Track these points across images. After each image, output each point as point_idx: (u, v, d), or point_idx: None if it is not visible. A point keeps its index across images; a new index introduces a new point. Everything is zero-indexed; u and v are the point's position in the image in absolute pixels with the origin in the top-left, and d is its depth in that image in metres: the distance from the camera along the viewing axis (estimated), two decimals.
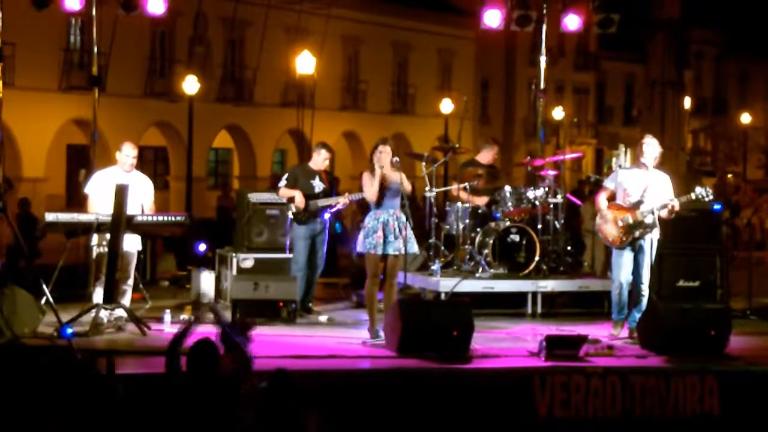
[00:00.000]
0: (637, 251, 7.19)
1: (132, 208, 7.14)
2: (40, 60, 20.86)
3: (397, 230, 6.95)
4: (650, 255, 7.21)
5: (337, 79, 27.74)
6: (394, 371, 6.11)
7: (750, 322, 8.27)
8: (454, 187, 9.21)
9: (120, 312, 7.17)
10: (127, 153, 7.44)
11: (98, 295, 7.23)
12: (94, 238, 7.25)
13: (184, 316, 7.78)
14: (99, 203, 7.31)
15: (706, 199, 7.10)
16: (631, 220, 7.12)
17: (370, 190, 6.94)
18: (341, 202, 8.30)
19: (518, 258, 8.79)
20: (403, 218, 6.99)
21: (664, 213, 7.12)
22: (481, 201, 9.05)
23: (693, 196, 7.11)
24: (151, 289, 9.43)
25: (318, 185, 8.37)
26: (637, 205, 7.13)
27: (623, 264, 7.20)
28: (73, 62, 22.13)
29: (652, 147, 7.17)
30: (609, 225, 7.18)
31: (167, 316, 7.38)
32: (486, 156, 9.28)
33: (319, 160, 8.45)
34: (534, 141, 16.48)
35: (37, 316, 6.82)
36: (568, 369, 5.99)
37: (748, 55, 39.97)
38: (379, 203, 6.96)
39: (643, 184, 7.17)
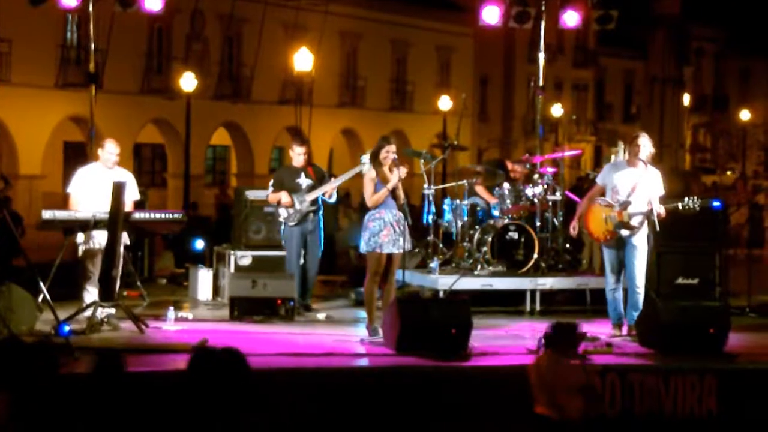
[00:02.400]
0: (629, 250, 7.17)
1: None
2: (36, 57, 20.82)
3: (399, 228, 6.94)
4: (643, 253, 7.19)
5: (335, 76, 27.72)
6: (392, 369, 6.09)
7: (749, 319, 8.26)
8: (462, 182, 9.31)
9: (110, 310, 7.12)
10: (110, 151, 7.42)
11: (89, 293, 7.20)
12: (80, 236, 7.23)
13: (182, 314, 7.77)
14: (81, 201, 7.28)
15: (695, 208, 7.05)
16: (617, 220, 7.10)
17: (373, 196, 6.89)
18: (328, 190, 8.19)
19: (517, 255, 8.77)
20: (402, 216, 6.97)
21: (652, 218, 7.08)
22: (495, 200, 9.06)
23: (680, 205, 7.07)
24: (149, 286, 9.41)
25: (305, 182, 8.24)
26: (624, 205, 7.10)
27: (615, 263, 7.18)
28: (70, 59, 22.09)
29: (646, 144, 7.15)
30: (595, 221, 7.17)
31: (171, 313, 7.35)
32: (511, 166, 9.45)
33: (295, 156, 8.37)
34: (533, 138, 16.44)
35: (35, 314, 6.80)
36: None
37: (749, 52, 39.99)
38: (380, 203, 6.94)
39: (632, 183, 7.13)
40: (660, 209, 7.02)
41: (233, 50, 26.03)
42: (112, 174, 7.27)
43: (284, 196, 8.17)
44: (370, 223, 6.94)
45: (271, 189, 8.32)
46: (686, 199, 7.08)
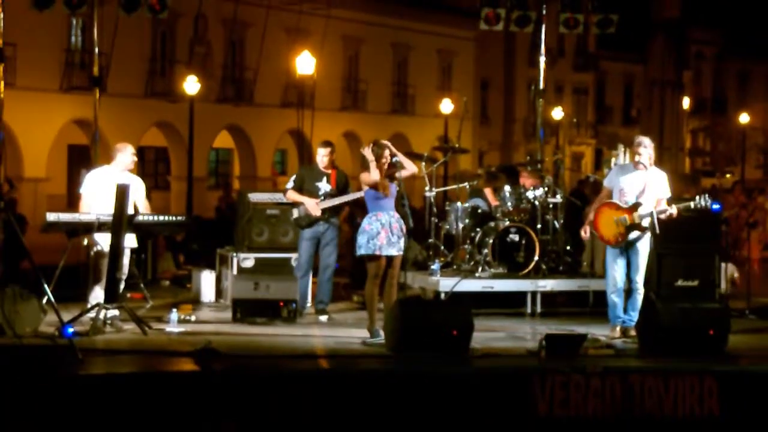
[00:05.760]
0: (632, 252, 7.21)
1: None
2: (41, 60, 20.89)
3: (398, 230, 6.99)
4: (645, 255, 7.23)
5: (337, 80, 27.77)
6: (393, 371, 6.13)
7: (749, 321, 8.29)
8: (458, 185, 9.34)
9: (113, 312, 7.17)
10: (131, 153, 7.52)
11: (95, 295, 7.25)
12: (86, 239, 7.29)
13: (185, 316, 7.82)
14: (92, 203, 7.34)
15: (707, 206, 7.09)
16: (628, 222, 7.14)
17: (373, 177, 6.89)
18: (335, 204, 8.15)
19: (518, 258, 8.81)
20: (399, 217, 7.00)
21: (661, 217, 7.14)
22: (498, 202, 9.08)
23: (692, 204, 7.11)
24: (152, 288, 9.45)
25: (323, 187, 8.18)
26: (635, 207, 7.14)
27: (618, 265, 7.20)
28: (74, 62, 22.15)
29: (647, 147, 7.19)
30: (605, 223, 7.20)
31: (173, 315, 7.39)
32: (529, 181, 9.25)
33: (318, 159, 8.35)
34: (534, 141, 16.49)
35: (39, 316, 6.85)
36: (567, 368, 6.01)
37: (747, 55, 40.02)
38: (378, 203, 6.98)
39: (640, 185, 7.18)
40: (672, 210, 7.06)
41: (236, 54, 26.09)
42: (124, 178, 7.33)
43: (309, 202, 8.03)
44: (368, 226, 6.97)
45: (291, 185, 8.28)
46: (698, 197, 7.11)
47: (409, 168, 7.05)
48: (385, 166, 6.95)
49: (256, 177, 26.26)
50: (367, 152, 6.94)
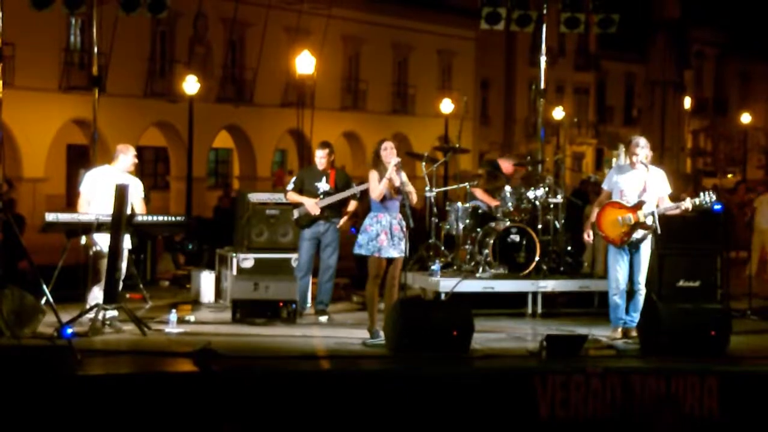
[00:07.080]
0: (634, 252, 7.19)
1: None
2: (40, 60, 20.90)
3: (399, 232, 6.97)
4: (647, 256, 7.21)
5: (337, 80, 27.77)
6: (393, 371, 6.11)
7: (750, 322, 8.27)
8: (459, 185, 9.31)
9: (112, 312, 7.15)
10: (134, 155, 7.54)
11: (94, 296, 7.23)
12: (82, 239, 7.28)
13: (184, 317, 7.80)
14: (91, 203, 7.33)
15: (711, 202, 7.09)
16: (632, 221, 7.12)
17: (377, 189, 6.91)
18: (332, 202, 8.14)
19: (518, 258, 8.79)
20: (401, 218, 6.99)
21: (676, 212, 7.13)
22: (494, 202, 9.05)
23: (698, 200, 7.11)
24: (151, 289, 9.43)
25: (323, 187, 8.22)
26: (639, 205, 7.13)
27: (620, 266, 7.18)
28: (74, 62, 22.17)
29: (643, 146, 7.18)
30: (609, 224, 7.18)
31: (173, 315, 7.37)
32: (506, 165, 9.29)
33: (317, 160, 8.38)
34: (534, 141, 16.48)
35: (38, 317, 6.83)
36: (567, 369, 5.99)
37: (749, 55, 40.03)
38: (382, 205, 6.95)
39: (640, 185, 7.17)
40: (687, 203, 7.06)
41: (236, 54, 26.09)
42: (123, 179, 7.32)
43: (308, 203, 8.08)
44: (369, 227, 6.96)
45: (291, 187, 8.34)
46: (702, 193, 7.11)
47: (413, 197, 7.01)
48: (392, 161, 6.94)
49: (256, 177, 26.26)
50: (393, 171, 6.90)
